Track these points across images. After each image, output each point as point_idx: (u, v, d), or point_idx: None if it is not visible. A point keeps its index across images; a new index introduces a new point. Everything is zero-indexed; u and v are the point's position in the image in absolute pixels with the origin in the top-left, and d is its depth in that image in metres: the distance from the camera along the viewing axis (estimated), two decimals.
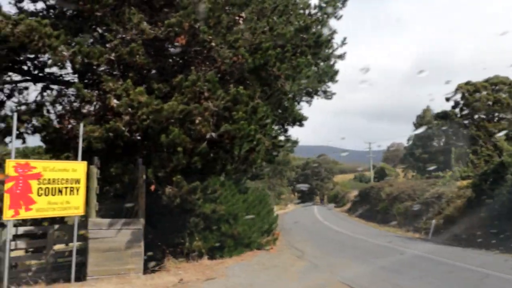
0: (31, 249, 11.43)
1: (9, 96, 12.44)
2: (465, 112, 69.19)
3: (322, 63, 25.26)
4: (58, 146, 11.01)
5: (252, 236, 12.55)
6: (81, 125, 9.77)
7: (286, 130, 26.85)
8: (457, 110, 70.52)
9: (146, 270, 10.48)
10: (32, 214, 9.12)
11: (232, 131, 10.44)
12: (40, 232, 10.59)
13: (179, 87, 10.38)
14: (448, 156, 68.32)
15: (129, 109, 9.82)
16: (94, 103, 10.80)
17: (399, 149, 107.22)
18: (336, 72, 24.57)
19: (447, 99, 71.17)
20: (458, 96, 70.28)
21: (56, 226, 10.57)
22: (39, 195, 9.07)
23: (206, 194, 10.99)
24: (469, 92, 68.65)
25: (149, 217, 10.57)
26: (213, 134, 10.73)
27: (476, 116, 69.73)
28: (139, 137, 10.40)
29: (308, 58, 13.66)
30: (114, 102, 9.91)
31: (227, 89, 10.96)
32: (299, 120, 26.09)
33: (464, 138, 69.22)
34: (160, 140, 9.74)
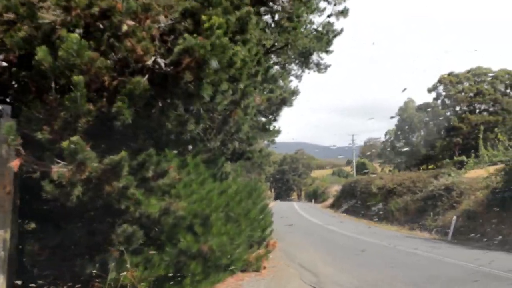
0: None
1: None
2: (447, 102, 65.88)
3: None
4: None
5: (234, 252, 6.99)
6: None
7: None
8: (439, 101, 67.08)
9: None
10: None
11: (198, 49, 5.00)
12: None
13: None
14: (432, 148, 64.62)
15: None
16: None
17: (376, 144, 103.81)
18: (334, 35, 19.26)
19: (429, 91, 67.77)
20: (440, 88, 67.08)
21: None
22: None
23: (146, 181, 5.61)
24: (452, 83, 65.25)
25: (28, 223, 5.27)
26: (161, 61, 5.32)
27: (458, 108, 66.49)
28: (5, 63, 4.87)
29: None
30: None
31: None
32: (291, 93, 20.83)
33: (446, 131, 65.81)
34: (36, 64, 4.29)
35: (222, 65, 5.78)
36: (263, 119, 9.44)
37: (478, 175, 21.36)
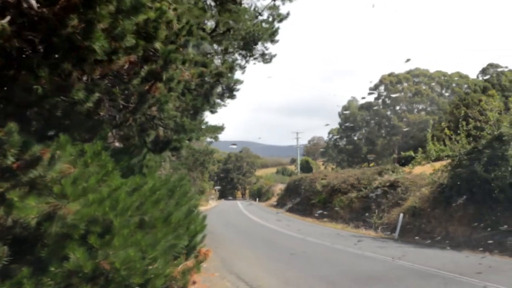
0: None
1: None
2: (388, 102, 67.39)
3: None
4: None
5: (149, 269, 5.13)
6: None
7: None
8: (380, 101, 68.48)
9: None
10: None
11: None
12: None
13: None
14: (373, 146, 65.72)
15: None
16: None
17: (319, 143, 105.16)
18: (280, 19, 17.89)
19: (371, 90, 68.97)
20: (382, 88, 68.49)
21: None
22: None
23: (8, 171, 3.75)
24: (392, 83, 66.82)
25: None
26: None
27: (397, 108, 68.25)
28: None
29: None
30: None
31: None
32: (234, 83, 19.26)
33: (386, 129, 67.25)
34: None
35: (123, 5, 4.05)
36: (196, 102, 7.95)
37: (423, 170, 20.93)
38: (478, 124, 15.50)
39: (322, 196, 30.80)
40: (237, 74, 22.34)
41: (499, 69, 74.38)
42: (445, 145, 16.65)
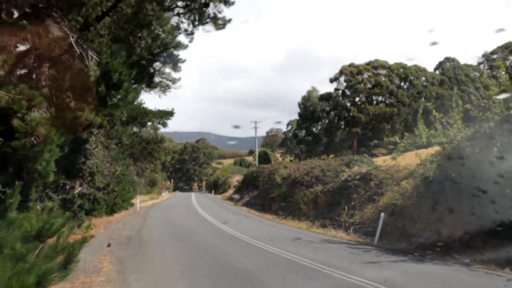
0: None
1: None
2: (348, 93, 64.85)
3: None
4: None
5: None
6: None
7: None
8: (340, 92, 65.81)
9: None
10: None
11: None
12: None
13: None
14: (333, 138, 62.99)
15: None
16: None
17: (277, 134, 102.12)
18: None
19: (331, 81, 66.16)
20: (342, 78, 65.82)
21: None
22: None
23: None
24: (352, 74, 64.27)
25: None
26: None
27: (357, 99, 65.89)
28: None
29: None
30: None
31: None
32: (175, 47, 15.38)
33: (345, 120, 64.78)
34: None
35: None
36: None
37: (401, 160, 17.60)
38: (480, 102, 12.08)
39: (282, 189, 27.09)
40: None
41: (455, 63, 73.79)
42: (436, 129, 13.17)
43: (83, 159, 17.31)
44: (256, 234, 15.48)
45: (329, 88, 65.72)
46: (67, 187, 17.32)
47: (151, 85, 17.73)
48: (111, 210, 20.85)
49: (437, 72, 75.25)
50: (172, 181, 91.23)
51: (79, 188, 18.01)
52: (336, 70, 63.78)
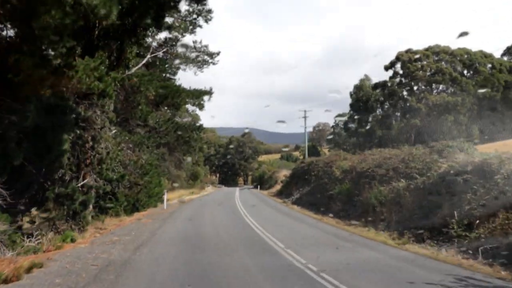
0: None
1: None
2: (405, 81, 56.99)
3: None
4: None
5: None
6: None
7: None
8: (396, 80, 58.03)
9: None
10: None
11: None
12: None
13: None
14: (389, 130, 55.42)
15: None
16: None
17: (324, 129, 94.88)
18: None
19: (386, 68, 58.46)
20: (398, 66, 58.07)
21: None
22: None
23: None
24: (410, 60, 56.34)
25: None
26: None
27: (416, 88, 57.77)
28: None
29: None
30: None
31: None
32: None
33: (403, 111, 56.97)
34: None
35: None
36: None
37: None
38: None
39: (345, 185, 20.79)
40: None
41: None
42: None
43: (89, 142, 12.08)
44: (336, 262, 9.33)
45: (384, 75, 57.86)
46: (66, 178, 11.78)
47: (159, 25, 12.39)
48: (133, 208, 15.22)
49: (505, 58, 65.41)
50: (218, 175, 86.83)
51: (87, 179, 12.59)
52: (383, 62, 56.07)
